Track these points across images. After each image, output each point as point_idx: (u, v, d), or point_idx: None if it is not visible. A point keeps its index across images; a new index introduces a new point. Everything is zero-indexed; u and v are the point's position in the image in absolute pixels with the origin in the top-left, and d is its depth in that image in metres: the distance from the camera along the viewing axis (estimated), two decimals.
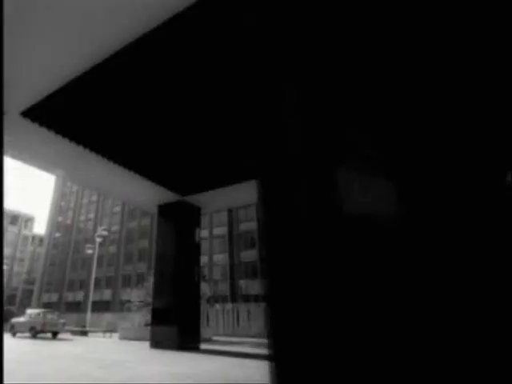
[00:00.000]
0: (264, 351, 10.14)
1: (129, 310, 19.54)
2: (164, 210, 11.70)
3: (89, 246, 27.76)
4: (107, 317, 27.17)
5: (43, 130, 7.03)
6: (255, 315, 16.95)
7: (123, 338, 15.45)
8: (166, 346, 9.40)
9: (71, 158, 8.26)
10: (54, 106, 6.41)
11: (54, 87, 6.00)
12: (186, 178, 9.83)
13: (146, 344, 11.38)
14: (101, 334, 19.86)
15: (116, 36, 5.06)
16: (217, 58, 5.49)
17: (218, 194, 10.94)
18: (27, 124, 6.79)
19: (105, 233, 26.95)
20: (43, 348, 10.99)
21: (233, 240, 40.66)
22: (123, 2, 4.49)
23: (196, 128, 7.32)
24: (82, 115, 6.81)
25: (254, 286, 37.18)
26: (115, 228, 47.98)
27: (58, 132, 7.16)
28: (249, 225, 40.95)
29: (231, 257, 39.50)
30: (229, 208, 39.40)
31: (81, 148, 7.73)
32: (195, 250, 11.64)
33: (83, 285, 48.83)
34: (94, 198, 54.30)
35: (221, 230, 39.61)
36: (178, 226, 11.29)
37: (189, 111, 6.74)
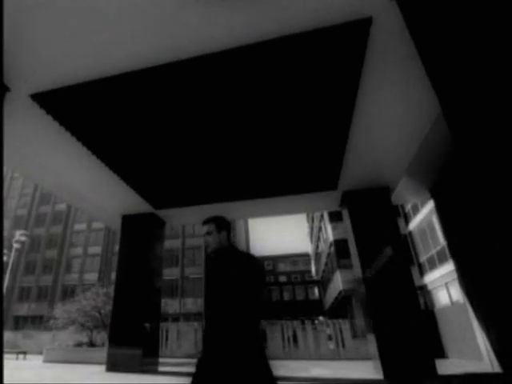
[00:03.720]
0: None
1: (50, 328, 18.18)
2: (129, 221, 11.59)
3: (4, 252, 24.71)
4: (6, 336, 24.20)
5: (44, 118, 6.43)
6: (185, 335, 17.52)
7: (49, 360, 14.41)
8: (125, 369, 9.29)
9: (60, 151, 7.83)
10: (72, 98, 5.84)
11: (83, 79, 5.41)
12: (165, 192, 9.92)
13: (90, 367, 11.38)
14: (8, 356, 17.92)
15: (180, 46, 4.80)
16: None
17: (190, 210, 11.10)
18: (31, 107, 6.09)
19: (23, 238, 24.44)
20: None
21: None
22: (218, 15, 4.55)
23: (195, 146, 7.69)
24: (94, 114, 6.44)
25: (172, 305, 36.80)
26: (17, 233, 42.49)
27: (61, 124, 6.64)
28: (173, 242, 40.70)
29: None
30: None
31: (74, 142, 7.33)
32: (158, 264, 11.69)
33: None
34: None
35: None
36: (142, 239, 11.28)
37: (196, 133, 7.23)
